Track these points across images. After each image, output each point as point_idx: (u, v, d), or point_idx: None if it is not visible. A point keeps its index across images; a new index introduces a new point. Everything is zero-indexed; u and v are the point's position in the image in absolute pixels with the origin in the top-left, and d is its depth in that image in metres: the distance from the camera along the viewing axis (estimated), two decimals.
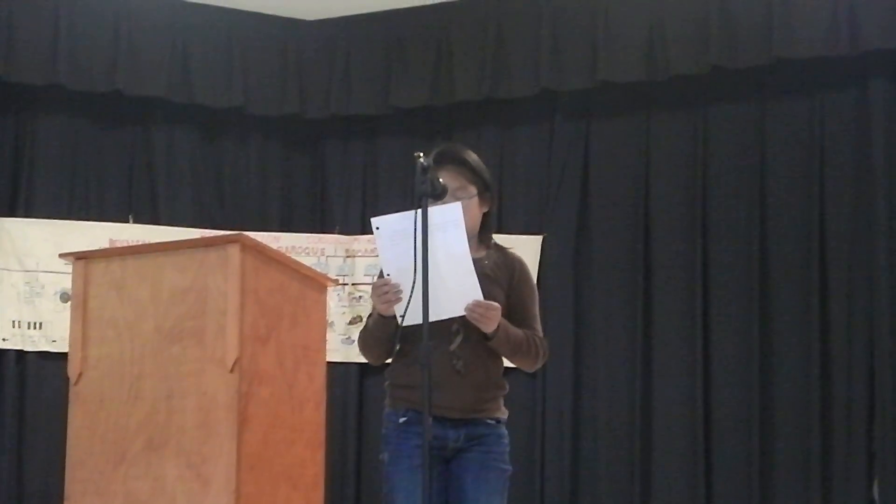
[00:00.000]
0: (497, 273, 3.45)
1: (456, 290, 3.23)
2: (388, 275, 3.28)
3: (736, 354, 6.22)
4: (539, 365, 3.52)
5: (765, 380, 6.14)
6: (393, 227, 3.27)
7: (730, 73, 6.28)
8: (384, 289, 3.26)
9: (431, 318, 3.11)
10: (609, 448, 6.40)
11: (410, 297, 3.16)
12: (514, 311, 3.45)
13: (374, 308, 3.41)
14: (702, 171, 6.40)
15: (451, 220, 3.22)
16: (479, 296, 3.26)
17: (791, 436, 6.08)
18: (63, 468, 3.65)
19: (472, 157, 3.51)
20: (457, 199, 3.37)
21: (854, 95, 6.14)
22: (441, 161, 3.41)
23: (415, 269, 3.12)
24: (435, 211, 3.20)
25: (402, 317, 3.21)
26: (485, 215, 3.51)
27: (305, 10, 6.99)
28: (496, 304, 3.30)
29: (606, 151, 6.66)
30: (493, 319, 3.28)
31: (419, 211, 3.15)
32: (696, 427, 6.19)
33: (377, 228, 3.29)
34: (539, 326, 3.50)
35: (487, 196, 3.50)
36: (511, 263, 3.50)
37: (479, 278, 3.28)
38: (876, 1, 5.90)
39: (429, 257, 3.12)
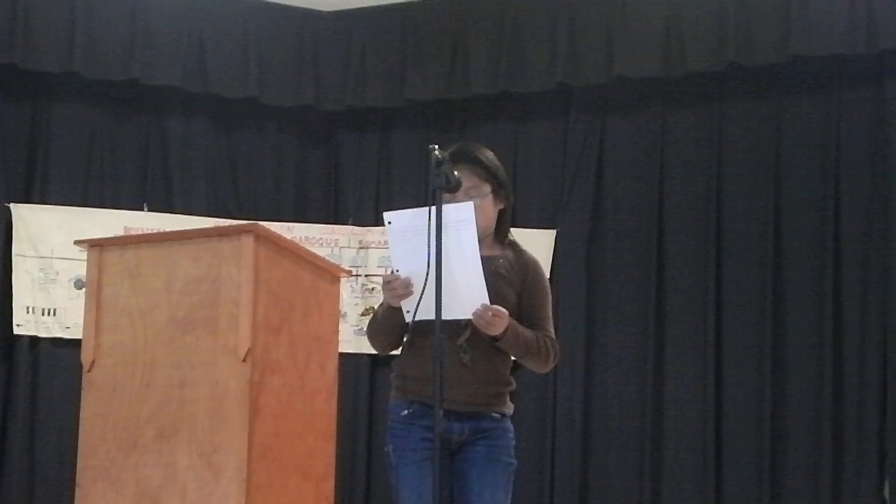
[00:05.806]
0: (510, 272, 3.44)
1: (464, 291, 3.22)
2: (398, 270, 3.28)
3: (748, 353, 6.21)
4: (550, 367, 3.51)
5: (776, 380, 6.13)
6: (405, 223, 3.26)
7: (746, 69, 6.26)
8: (394, 284, 3.27)
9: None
10: (619, 445, 6.40)
11: (422, 295, 3.16)
12: (526, 312, 3.44)
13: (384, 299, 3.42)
14: (717, 167, 6.39)
15: (463, 219, 3.21)
16: (486, 299, 3.24)
17: (802, 437, 6.07)
18: (75, 455, 3.66)
19: (487, 155, 3.50)
20: (470, 198, 3.37)
21: (871, 93, 6.12)
22: (455, 160, 3.40)
23: (428, 266, 3.12)
24: (448, 209, 3.20)
25: (411, 312, 3.21)
26: (500, 212, 3.51)
27: (322, 1, 6.98)
28: (502, 309, 3.27)
29: (621, 147, 6.65)
30: (498, 325, 3.27)
31: (433, 207, 3.14)
32: (706, 425, 6.19)
33: (389, 223, 3.29)
34: (551, 328, 3.48)
35: (502, 194, 3.49)
36: (525, 264, 3.49)
37: (491, 276, 3.28)
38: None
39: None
